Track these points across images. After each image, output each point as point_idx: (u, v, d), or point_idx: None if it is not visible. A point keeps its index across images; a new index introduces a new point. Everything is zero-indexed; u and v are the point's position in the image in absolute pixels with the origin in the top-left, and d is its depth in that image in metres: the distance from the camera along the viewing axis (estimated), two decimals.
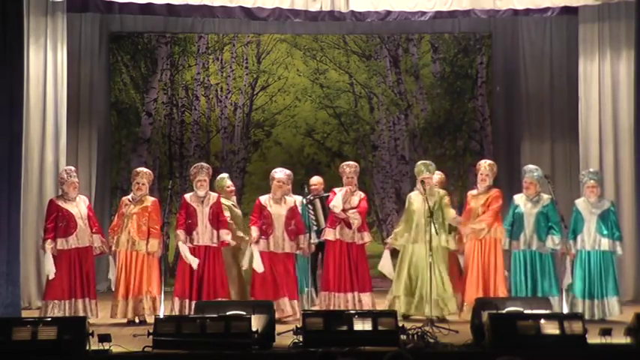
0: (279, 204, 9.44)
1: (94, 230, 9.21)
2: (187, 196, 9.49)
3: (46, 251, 8.98)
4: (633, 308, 8.82)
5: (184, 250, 9.16)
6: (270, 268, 9.28)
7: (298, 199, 9.70)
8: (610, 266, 9.27)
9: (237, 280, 9.68)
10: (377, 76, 12.69)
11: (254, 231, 9.35)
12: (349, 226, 9.54)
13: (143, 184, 9.34)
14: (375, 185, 12.66)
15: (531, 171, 9.43)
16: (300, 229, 9.44)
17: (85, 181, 11.30)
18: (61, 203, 9.14)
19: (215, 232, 9.32)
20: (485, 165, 9.61)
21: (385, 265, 9.45)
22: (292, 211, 9.46)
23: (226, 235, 9.35)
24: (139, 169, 9.59)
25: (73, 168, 9.48)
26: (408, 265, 9.40)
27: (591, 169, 9.78)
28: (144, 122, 12.41)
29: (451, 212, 9.42)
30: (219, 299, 9.00)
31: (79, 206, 9.18)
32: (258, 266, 9.21)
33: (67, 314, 8.86)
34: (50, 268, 8.91)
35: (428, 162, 9.62)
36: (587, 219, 9.23)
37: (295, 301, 9.25)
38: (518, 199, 9.45)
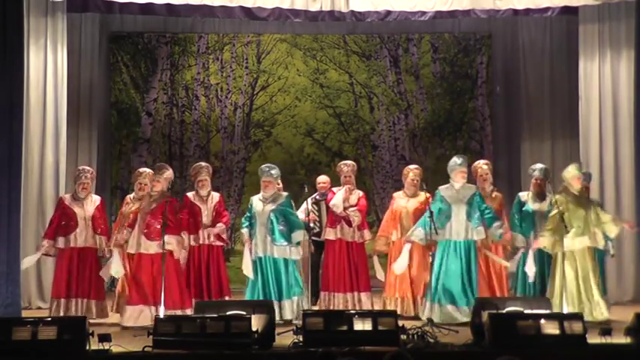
0: (146, 203, 9.08)
1: (98, 232, 9.21)
2: (190, 195, 9.54)
3: (39, 250, 9.18)
4: (633, 308, 8.83)
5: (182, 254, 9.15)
6: (133, 272, 8.95)
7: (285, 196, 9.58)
8: (602, 265, 9.34)
9: None
10: (377, 76, 12.69)
11: (118, 233, 9.13)
12: (349, 224, 9.56)
13: (146, 185, 9.38)
14: (375, 185, 12.66)
15: (540, 169, 9.48)
16: (170, 229, 8.76)
17: None
18: (68, 202, 9.22)
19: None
20: (481, 165, 9.70)
21: (531, 267, 9.02)
22: (159, 208, 8.92)
23: (219, 228, 9.39)
24: (142, 169, 9.64)
25: (88, 168, 9.52)
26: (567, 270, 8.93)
27: (584, 171, 9.82)
28: (144, 122, 12.41)
29: (608, 217, 9.12)
30: (222, 299, 9.04)
31: (86, 206, 9.22)
32: (116, 270, 8.93)
33: (64, 313, 8.89)
34: (29, 261, 9.21)
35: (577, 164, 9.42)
36: None
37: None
38: (524, 196, 9.50)
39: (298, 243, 9.19)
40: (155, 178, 9.15)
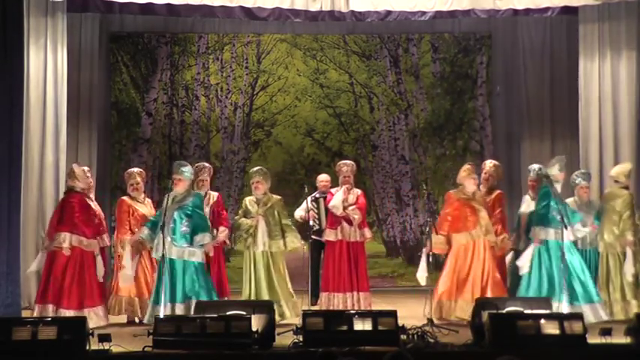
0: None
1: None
2: None
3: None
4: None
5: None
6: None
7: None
8: None
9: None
10: (377, 76, 12.69)
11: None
12: (350, 223, 9.54)
13: (138, 184, 9.37)
14: (375, 185, 12.67)
15: (535, 170, 9.50)
16: (62, 226, 8.82)
17: None
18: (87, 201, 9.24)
19: (216, 231, 9.35)
20: (490, 165, 9.68)
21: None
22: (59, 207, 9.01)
23: (221, 234, 9.39)
24: (130, 170, 9.61)
25: (87, 168, 9.53)
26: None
27: (583, 171, 9.88)
28: (144, 122, 12.41)
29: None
30: (222, 299, 9.04)
31: (98, 206, 9.33)
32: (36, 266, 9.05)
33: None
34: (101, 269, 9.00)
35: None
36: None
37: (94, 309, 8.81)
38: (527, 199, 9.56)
39: (201, 246, 8.77)
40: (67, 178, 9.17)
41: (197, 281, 8.71)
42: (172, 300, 8.64)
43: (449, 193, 9.46)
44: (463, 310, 8.89)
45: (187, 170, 8.92)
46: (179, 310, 8.61)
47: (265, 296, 9.03)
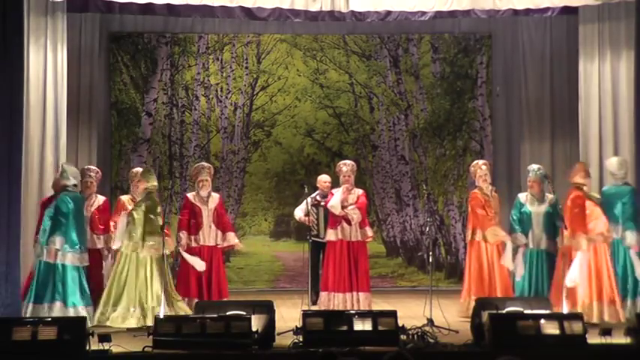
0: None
1: (95, 232, 9.38)
2: (190, 196, 9.53)
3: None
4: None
5: (187, 256, 9.14)
6: None
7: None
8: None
9: None
10: (377, 76, 12.69)
11: None
12: (349, 222, 9.54)
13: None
14: (375, 185, 12.67)
15: (534, 170, 9.52)
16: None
17: None
18: None
19: (220, 233, 9.36)
20: (480, 165, 9.74)
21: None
22: None
23: (234, 239, 9.44)
24: (136, 169, 9.64)
25: (93, 168, 9.57)
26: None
27: None
28: (144, 122, 12.41)
29: None
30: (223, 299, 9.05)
31: (88, 207, 9.38)
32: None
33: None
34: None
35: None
36: None
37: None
38: (523, 197, 9.54)
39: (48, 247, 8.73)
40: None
41: (56, 283, 8.70)
42: (35, 300, 8.69)
43: (578, 194, 9.13)
44: (611, 314, 8.76)
45: (69, 174, 8.91)
46: (42, 311, 8.61)
47: (120, 297, 8.84)
